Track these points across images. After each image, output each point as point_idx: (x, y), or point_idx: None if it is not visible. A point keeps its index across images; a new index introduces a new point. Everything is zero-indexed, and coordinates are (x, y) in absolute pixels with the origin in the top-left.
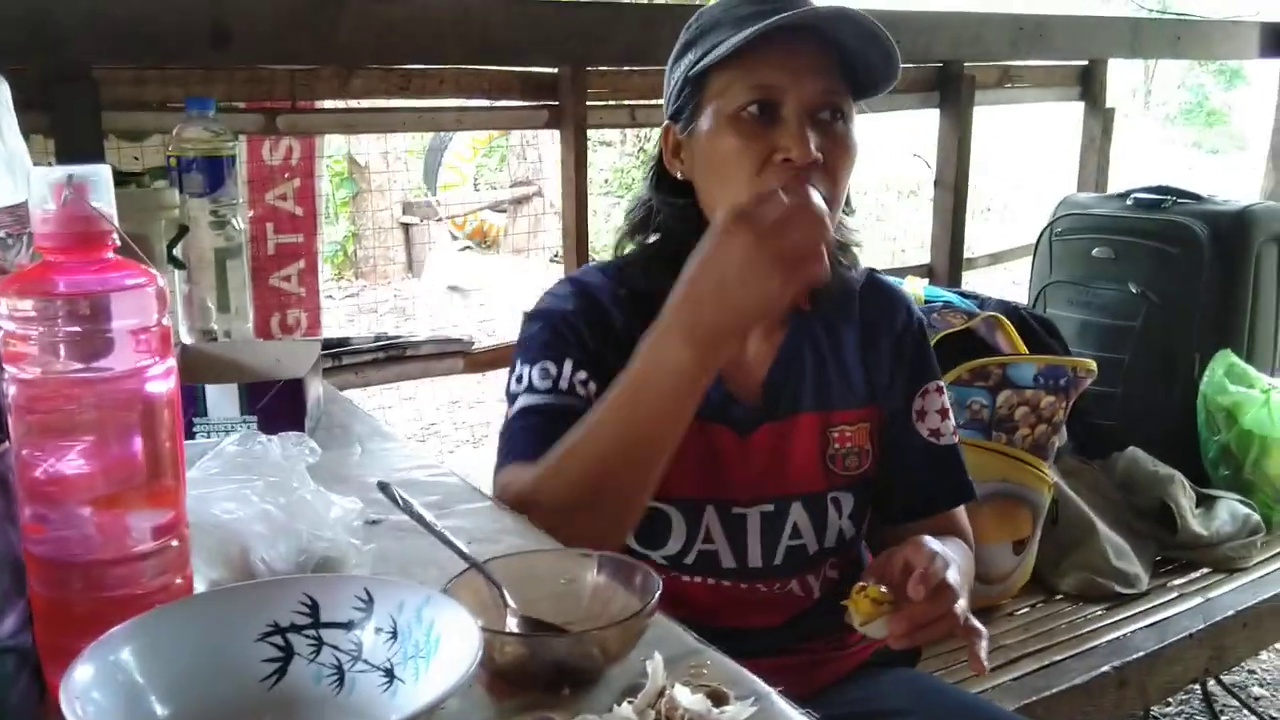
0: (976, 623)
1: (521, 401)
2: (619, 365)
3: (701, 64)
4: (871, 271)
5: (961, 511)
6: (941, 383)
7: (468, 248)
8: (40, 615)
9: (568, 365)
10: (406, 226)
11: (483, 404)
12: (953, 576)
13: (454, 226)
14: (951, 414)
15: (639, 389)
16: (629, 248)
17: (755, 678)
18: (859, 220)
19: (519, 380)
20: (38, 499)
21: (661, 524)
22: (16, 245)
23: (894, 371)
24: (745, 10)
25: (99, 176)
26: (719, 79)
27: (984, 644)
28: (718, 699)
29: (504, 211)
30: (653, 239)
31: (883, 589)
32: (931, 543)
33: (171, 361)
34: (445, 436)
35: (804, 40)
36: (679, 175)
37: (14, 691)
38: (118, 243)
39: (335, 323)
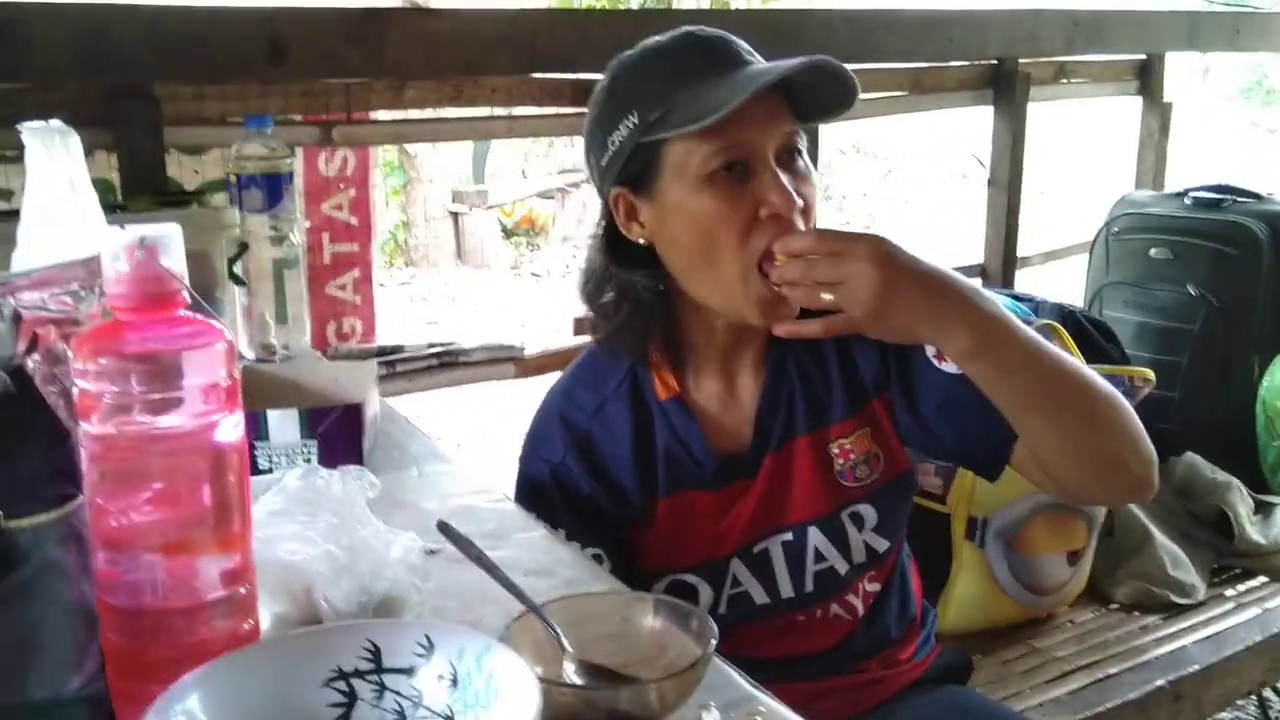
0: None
1: None
2: (618, 475)
3: (673, 132)
4: None
5: None
6: None
7: (516, 235)
8: (112, 662)
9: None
10: (456, 215)
11: (534, 400)
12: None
13: (503, 215)
14: None
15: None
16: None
17: None
18: (915, 214)
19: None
20: (110, 546)
21: (687, 593)
22: (89, 298)
23: (884, 343)
24: (687, 62)
25: (169, 237)
26: (680, 142)
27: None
28: None
29: (552, 199)
30: (617, 308)
31: None
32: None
33: (239, 414)
34: (494, 433)
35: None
36: (641, 241)
37: None
38: (188, 300)
39: (387, 310)
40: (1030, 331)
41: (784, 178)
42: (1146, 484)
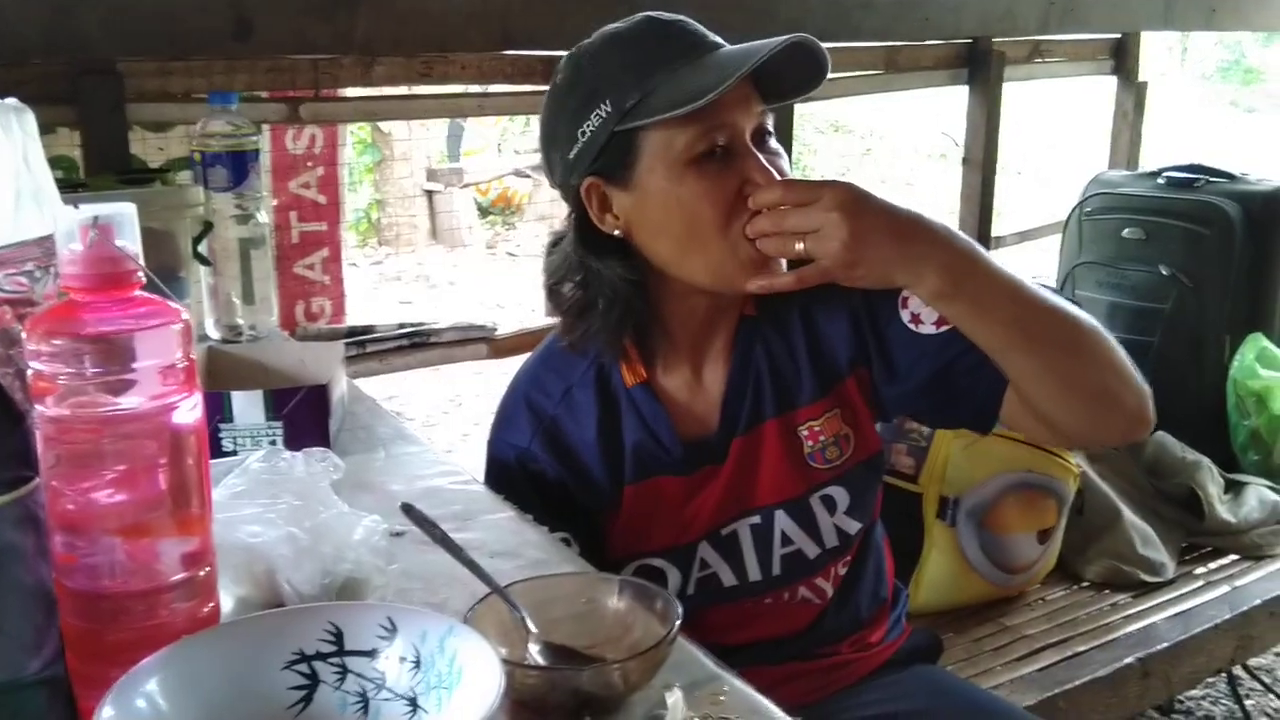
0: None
1: None
2: (585, 460)
3: (657, 118)
4: None
5: None
6: None
7: (491, 214)
8: (72, 644)
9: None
10: (430, 193)
11: (507, 375)
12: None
13: (478, 193)
14: None
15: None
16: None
17: (773, 706)
18: (891, 192)
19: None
20: (67, 529)
21: (654, 577)
22: (44, 278)
23: (857, 318)
24: (655, 47)
25: (124, 216)
26: (660, 129)
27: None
28: None
29: (528, 177)
30: (590, 305)
31: None
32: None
33: (197, 396)
34: (468, 410)
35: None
36: (615, 232)
37: None
38: (143, 280)
39: (360, 291)
40: (1006, 269)
41: (761, 158)
42: (1142, 418)
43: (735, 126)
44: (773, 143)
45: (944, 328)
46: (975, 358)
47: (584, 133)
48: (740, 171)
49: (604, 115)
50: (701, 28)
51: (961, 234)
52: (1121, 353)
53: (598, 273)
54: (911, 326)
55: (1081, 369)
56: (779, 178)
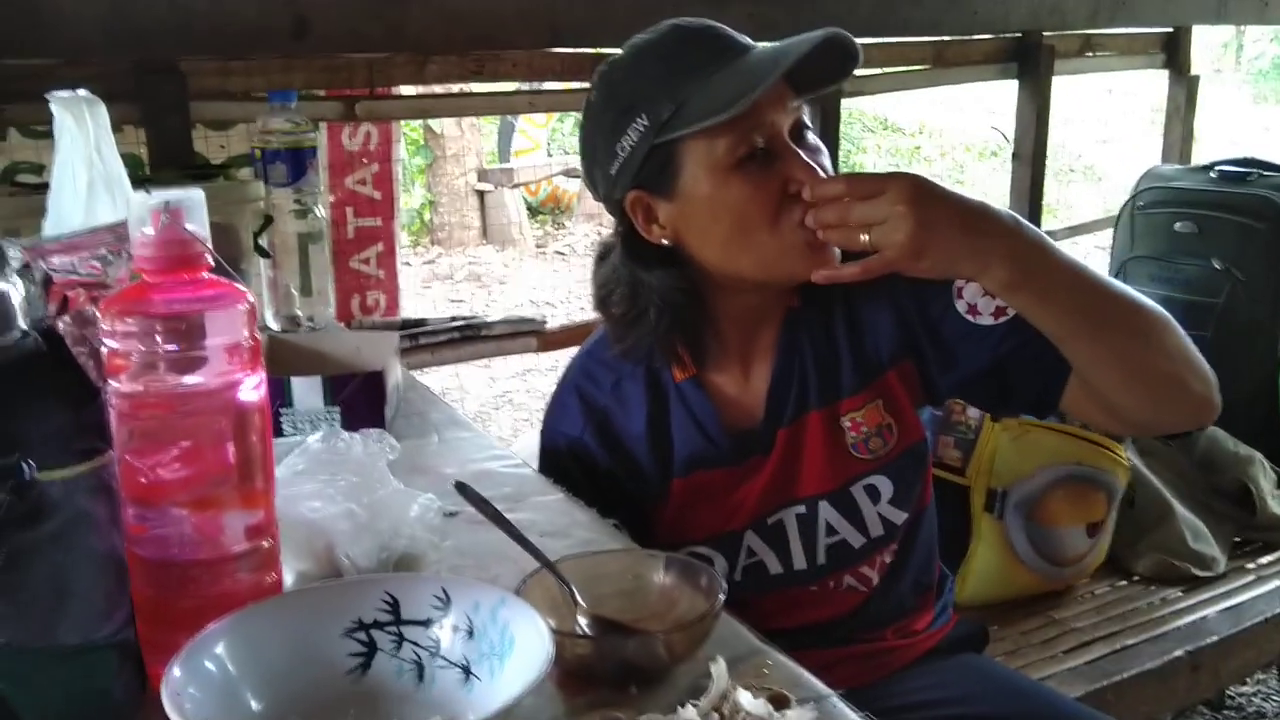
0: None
1: None
2: (634, 452)
3: (695, 127)
4: None
5: None
6: None
7: (541, 214)
8: (141, 611)
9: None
10: (481, 193)
11: (555, 370)
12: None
13: (527, 193)
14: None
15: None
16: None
17: (815, 680)
18: (942, 182)
19: None
20: (139, 501)
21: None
22: (117, 262)
23: (903, 311)
24: (686, 56)
25: (193, 201)
26: (700, 137)
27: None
28: (779, 702)
29: (577, 177)
30: (643, 315)
31: None
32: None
33: (261, 374)
34: (520, 406)
35: None
36: (663, 241)
37: (117, 685)
38: (211, 262)
39: (412, 289)
40: (1072, 257)
41: (802, 154)
42: (1208, 403)
43: (773, 126)
44: (811, 137)
45: (1002, 319)
46: (1036, 348)
47: (623, 148)
48: (782, 169)
49: (641, 129)
50: (731, 31)
51: (1029, 224)
52: (1187, 339)
53: (647, 283)
54: (969, 318)
55: (1148, 355)
56: (821, 173)
